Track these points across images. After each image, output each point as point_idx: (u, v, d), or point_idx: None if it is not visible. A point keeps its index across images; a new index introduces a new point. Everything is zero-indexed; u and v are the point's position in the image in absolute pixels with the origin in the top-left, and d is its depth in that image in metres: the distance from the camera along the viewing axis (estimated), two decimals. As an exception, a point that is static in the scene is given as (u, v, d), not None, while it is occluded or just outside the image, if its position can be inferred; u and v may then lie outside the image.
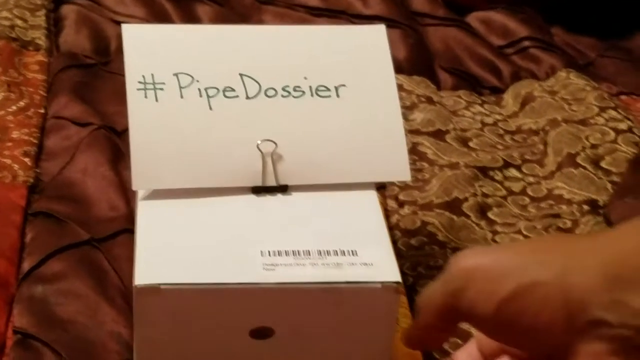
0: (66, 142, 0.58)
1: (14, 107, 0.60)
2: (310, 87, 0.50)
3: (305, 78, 0.50)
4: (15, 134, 0.58)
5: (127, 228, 0.52)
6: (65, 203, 0.54)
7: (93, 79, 0.64)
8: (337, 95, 0.50)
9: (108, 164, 0.56)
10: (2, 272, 0.49)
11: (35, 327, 0.46)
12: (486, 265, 0.35)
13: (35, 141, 0.58)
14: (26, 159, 0.57)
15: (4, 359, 0.44)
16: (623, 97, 0.71)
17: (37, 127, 0.59)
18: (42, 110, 0.61)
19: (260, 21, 0.75)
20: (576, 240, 0.36)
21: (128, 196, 0.54)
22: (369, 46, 0.51)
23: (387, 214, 0.57)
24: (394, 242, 0.55)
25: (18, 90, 0.62)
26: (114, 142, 0.58)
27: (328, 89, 0.50)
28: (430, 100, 0.68)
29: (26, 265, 0.49)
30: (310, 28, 0.54)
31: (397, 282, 0.43)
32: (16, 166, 0.56)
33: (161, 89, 0.47)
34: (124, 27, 0.48)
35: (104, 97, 0.62)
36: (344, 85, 0.50)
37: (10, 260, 0.50)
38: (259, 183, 0.47)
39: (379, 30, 0.52)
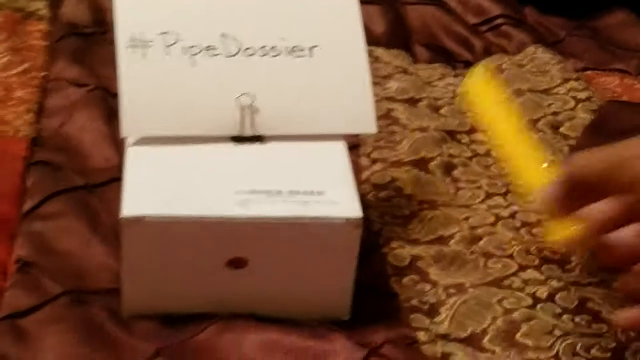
0: (65, 101, 0.63)
1: (17, 69, 0.65)
2: (286, 47, 0.54)
3: (282, 39, 0.55)
4: (18, 94, 0.63)
5: (118, 177, 0.56)
6: (63, 154, 0.59)
7: (90, 46, 0.69)
8: (311, 56, 0.55)
9: (103, 120, 0.61)
10: (5, 211, 0.54)
11: (33, 257, 0.51)
12: None
13: (36, 100, 0.63)
14: (27, 116, 0.62)
15: (7, 284, 0.49)
16: (588, 72, 0.76)
17: (39, 88, 0.64)
18: (43, 73, 0.66)
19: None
20: None
21: (120, 150, 0.59)
22: (341, 9, 0.56)
23: (360, 170, 0.62)
24: (365, 195, 0.60)
25: (21, 54, 0.67)
26: (109, 102, 0.63)
27: (302, 50, 0.55)
28: (405, 71, 0.73)
29: (27, 206, 0.54)
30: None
31: (359, 218, 0.48)
32: (19, 121, 0.61)
33: (148, 46, 0.52)
34: (116, -11, 0.53)
35: (100, 62, 0.67)
36: (317, 46, 0.55)
37: (12, 201, 0.55)
38: (237, 133, 0.52)
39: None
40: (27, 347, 0.46)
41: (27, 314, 0.48)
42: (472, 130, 0.67)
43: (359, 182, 0.61)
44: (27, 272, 0.50)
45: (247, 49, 0.54)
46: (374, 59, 0.73)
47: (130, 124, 0.51)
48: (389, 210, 0.59)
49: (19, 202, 0.55)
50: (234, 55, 0.54)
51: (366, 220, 0.49)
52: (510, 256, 0.55)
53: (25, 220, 0.54)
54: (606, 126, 0.67)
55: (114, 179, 0.57)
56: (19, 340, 0.47)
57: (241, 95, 0.52)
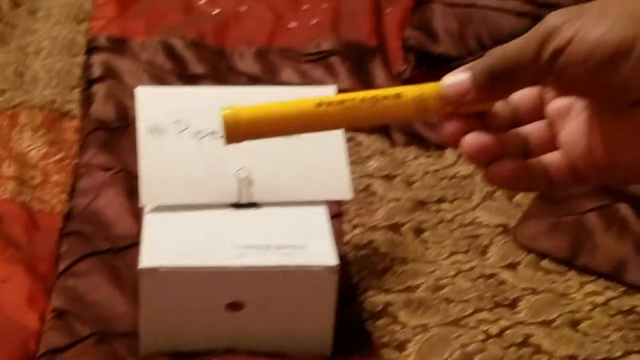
0: (93, 182, 0.75)
1: (54, 158, 0.78)
2: (276, 131, 0.66)
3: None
4: (54, 178, 0.76)
5: (137, 242, 0.68)
6: (91, 225, 0.70)
7: (116, 138, 0.81)
8: (297, 137, 0.66)
9: (125, 197, 0.73)
10: (44, 271, 0.65)
11: (67, 306, 0.61)
12: (587, 29, 0.36)
13: (69, 182, 0.75)
14: (62, 195, 0.74)
15: (45, 328, 0.60)
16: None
17: (72, 173, 0.76)
18: (76, 161, 0.78)
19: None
20: None
21: (140, 220, 0.70)
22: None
23: (343, 234, 0.73)
24: (347, 254, 0.70)
25: (57, 146, 0.79)
26: (130, 182, 0.75)
27: (289, 133, 0.67)
28: (384, 153, 0.84)
29: (61, 267, 0.65)
30: (276, 88, 0.72)
31: (335, 265, 0.58)
32: (54, 200, 0.73)
33: (163, 132, 0.65)
34: (138, 89, 0.66)
35: (124, 150, 0.79)
36: (301, 130, 0.67)
37: (49, 264, 0.66)
38: (235, 200, 0.63)
39: (330, 89, 0.69)
40: (62, 378, 0.56)
41: (62, 351, 0.58)
42: (440, 201, 0.78)
43: (342, 244, 0.72)
44: (62, 318, 0.61)
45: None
46: (356, 143, 0.85)
47: (148, 194, 0.62)
48: (367, 265, 0.69)
49: (54, 264, 0.66)
50: (233, 138, 0.66)
51: (347, 274, 0.59)
52: (467, 301, 0.65)
53: (60, 278, 0.65)
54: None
55: (134, 243, 0.68)
56: (56, 372, 0.57)
57: (239, 169, 0.64)
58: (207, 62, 0.95)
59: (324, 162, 0.66)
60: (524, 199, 0.77)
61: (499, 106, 0.42)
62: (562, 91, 0.40)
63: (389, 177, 0.81)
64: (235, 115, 0.42)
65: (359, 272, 0.68)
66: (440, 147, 0.88)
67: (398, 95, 0.41)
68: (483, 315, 0.64)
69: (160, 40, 0.96)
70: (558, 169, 0.40)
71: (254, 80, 0.95)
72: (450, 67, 0.41)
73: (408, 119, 0.42)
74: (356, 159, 0.83)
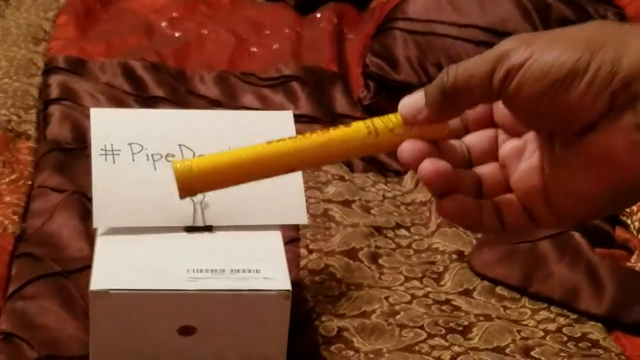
0: (47, 204, 0.74)
1: (7, 179, 0.77)
2: (232, 154, 0.66)
3: (228, 148, 0.66)
4: (7, 199, 0.74)
5: (90, 265, 0.67)
6: (44, 248, 0.69)
7: (71, 159, 0.80)
8: (253, 161, 0.66)
9: (79, 219, 0.72)
10: (-8, 294, 0.64)
11: (15, 329, 0.60)
12: (541, 51, 0.36)
13: (22, 204, 0.74)
14: (15, 217, 0.72)
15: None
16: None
17: (25, 194, 0.75)
18: (30, 182, 0.77)
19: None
20: (627, 28, 0.37)
21: (93, 243, 0.70)
22: (278, 125, 0.68)
23: (299, 259, 0.72)
24: (302, 279, 0.70)
25: (11, 167, 0.78)
26: (84, 204, 0.74)
27: (246, 157, 0.66)
28: (342, 178, 0.85)
29: (11, 289, 0.64)
30: (233, 112, 0.72)
31: (288, 290, 0.58)
32: (6, 221, 0.72)
33: (117, 154, 0.64)
34: (92, 110, 0.65)
35: (79, 172, 0.78)
36: (258, 154, 0.67)
37: (-2, 286, 0.65)
38: (190, 224, 0.63)
39: (286, 115, 0.69)
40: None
41: (9, 376, 0.57)
42: (397, 227, 0.78)
43: (298, 269, 0.71)
44: (10, 341, 0.59)
45: (200, 155, 0.66)
46: (315, 168, 0.86)
47: (100, 216, 0.61)
48: (322, 291, 0.69)
49: (4, 287, 0.65)
50: (189, 161, 0.65)
51: (302, 299, 0.59)
52: (421, 327, 0.65)
53: (9, 301, 0.63)
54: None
55: (86, 266, 0.67)
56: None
57: (194, 193, 0.64)
58: (167, 85, 0.95)
59: (280, 186, 0.66)
60: (479, 225, 0.78)
61: (456, 144, 0.42)
62: (516, 114, 0.39)
63: (347, 203, 0.81)
64: (188, 168, 0.42)
65: (314, 297, 0.68)
66: (398, 173, 0.88)
67: (348, 124, 0.42)
68: (436, 340, 0.64)
69: (119, 62, 0.96)
70: (511, 210, 0.40)
71: (214, 104, 0.95)
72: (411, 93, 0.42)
73: (361, 148, 0.42)
74: (315, 184, 0.83)
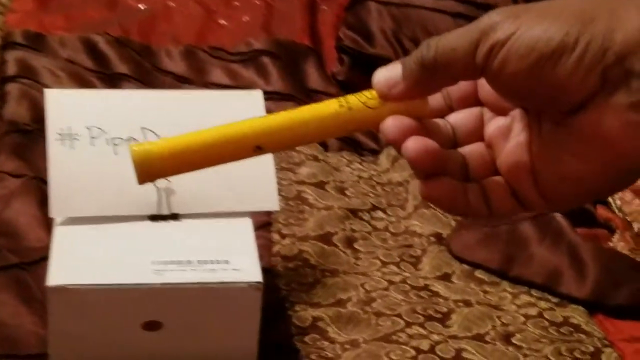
0: (4, 190, 0.70)
1: (-39, 164, 0.72)
2: (199, 137, 0.63)
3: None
4: (-39, 185, 0.70)
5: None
6: (1, 237, 0.65)
7: (30, 142, 0.76)
8: (221, 144, 0.63)
9: (37, 206, 0.68)
10: (-56, 288, 0.60)
11: (-31, 326, 0.57)
12: (527, 26, 0.34)
13: (-23, 190, 0.70)
14: (-31, 204, 0.68)
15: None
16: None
17: (-20, 179, 0.71)
18: (-15, 166, 0.73)
19: (178, 97, 0.89)
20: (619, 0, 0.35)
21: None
22: (247, 106, 0.65)
23: (271, 245, 0.69)
24: (275, 266, 0.67)
25: (-35, 150, 0.74)
26: (44, 191, 0.70)
27: (213, 139, 0.63)
28: (316, 158, 0.81)
29: (-35, 283, 0.61)
30: (200, 92, 0.68)
31: (259, 282, 0.55)
32: (-40, 209, 0.68)
33: (76, 139, 0.60)
34: (47, 91, 0.61)
35: (38, 156, 0.74)
36: (226, 136, 0.63)
37: (-49, 280, 0.61)
38: (154, 212, 0.59)
39: (256, 94, 0.66)
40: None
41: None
42: (373, 209, 0.75)
43: (270, 255, 0.68)
44: (-37, 339, 0.56)
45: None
46: (288, 150, 0.82)
47: (58, 206, 0.58)
48: (295, 278, 0.66)
49: (-42, 280, 0.61)
50: (152, 145, 0.62)
51: (275, 287, 0.56)
52: (399, 315, 0.63)
53: (-37, 295, 0.60)
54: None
55: (45, 257, 0.63)
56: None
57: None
58: (131, 60, 0.90)
59: (249, 170, 0.62)
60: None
61: (440, 122, 0.39)
62: (500, 92, 0.37)
63: (320, 184, 0.78)
64: (146, 152, 0.38)
65: (287, 285, 0.65)
66: (374, 152, 0.85)
67: (318, 101, 0.39)
68: (415, 329, 0.61)
69: (81, 36, 0.91)
70: (498, 193, 0.38)
71: (181, 80, 0.91)
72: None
73: (335, 126, 0.38)
74: (287, 165, 0.80)
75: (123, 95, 0.65)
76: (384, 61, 0.97)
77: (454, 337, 0.61)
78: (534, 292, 0.67)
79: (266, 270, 0.57)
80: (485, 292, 0.67)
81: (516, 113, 0.38)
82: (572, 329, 0.64)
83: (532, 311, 0.65)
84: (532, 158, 0.37)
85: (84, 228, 0.57)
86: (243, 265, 0.56)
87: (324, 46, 1.01)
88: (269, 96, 0.88)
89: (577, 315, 0.65)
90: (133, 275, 0.54)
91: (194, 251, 0.57)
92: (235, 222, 0.60)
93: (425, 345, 0.60)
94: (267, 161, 0.63)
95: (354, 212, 0.74)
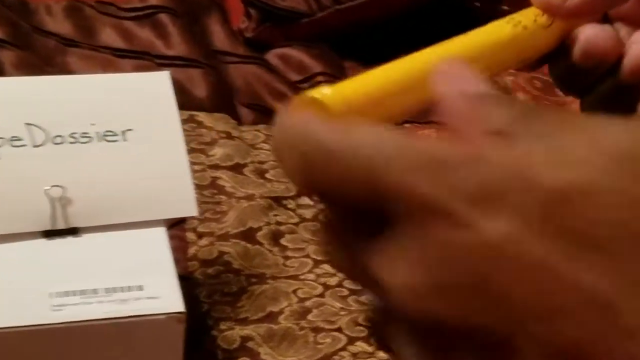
0: None
1: None
2: (98, 132, 0.52)
3: (93, 124, 0.52)
4: None
5: None
6: None
7: None
8: (125, 140, 0.53)
9: None
10: None
11: None
12: None
13: None
14: None
15: None
16: (407, 125, 0.78)
17: None
18: None
19: (64, 64, 0.77)
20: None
21: None
22: (154, 91, 0.55)
23: (187, 246, 0.60)
24: (193, 272, 0.59)
25: None
26: None
27: (115, 134, 0.53)
28: (229, 136, 0.72)
29: None
30: (96, 76, 0.57)
31: (181, 312, 0.47)
32: None
33: (-57, 141, 0.49)
34: None
35: None
36: (130, 130, 0.53)
37: None
38: (48, 227, 0.49)
39: (163, 77, 0.55)
40: None
41: None
42: (298, 195, 0.67)
43: (186, 259, 0.60)
44: None
45: (56, 137, 0.51)
46: (197, 124, 0.73)
47: None
48: (218, 287, 0.58)
49: None
50: (41, 145, 0.51)
51: (194, 300, 0.48)
52: (339, 329, 0.56)
53: None
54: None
55: None
56: None
57: (51, 187, 0.50)
58: (6, 21, 0.77)
59: (160, 170, 0.53)
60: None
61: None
62: None
63: (237, 167, 0.69)
64: (340, 95, 0.27)
65: (209, 297, 0.57)
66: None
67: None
68: (359, 346, 0.54)
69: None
70: None
71: (66, 42, 0.79)
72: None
73: (514, 47, 0.33)
74: (197, 145, 0.70)
75: (1, 83, 0.53)
76: (297, 15, 0.88)
77: (402, 352, 0.54)
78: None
79: (183, 278, 0.48)
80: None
81: None
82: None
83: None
84: None
85: (-40, 255, 0.47)
86: (160, 290, 0.47)
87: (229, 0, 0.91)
88: (170, 62, 0.78)
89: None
90: (26, 315, 0.45)
91: (100, 276, 0.47)
92: (146, 234, 0.51)
93: (371, 364, 0.53)
94: (180, 158, 0.53)
95: (277, 201, 0.66)
